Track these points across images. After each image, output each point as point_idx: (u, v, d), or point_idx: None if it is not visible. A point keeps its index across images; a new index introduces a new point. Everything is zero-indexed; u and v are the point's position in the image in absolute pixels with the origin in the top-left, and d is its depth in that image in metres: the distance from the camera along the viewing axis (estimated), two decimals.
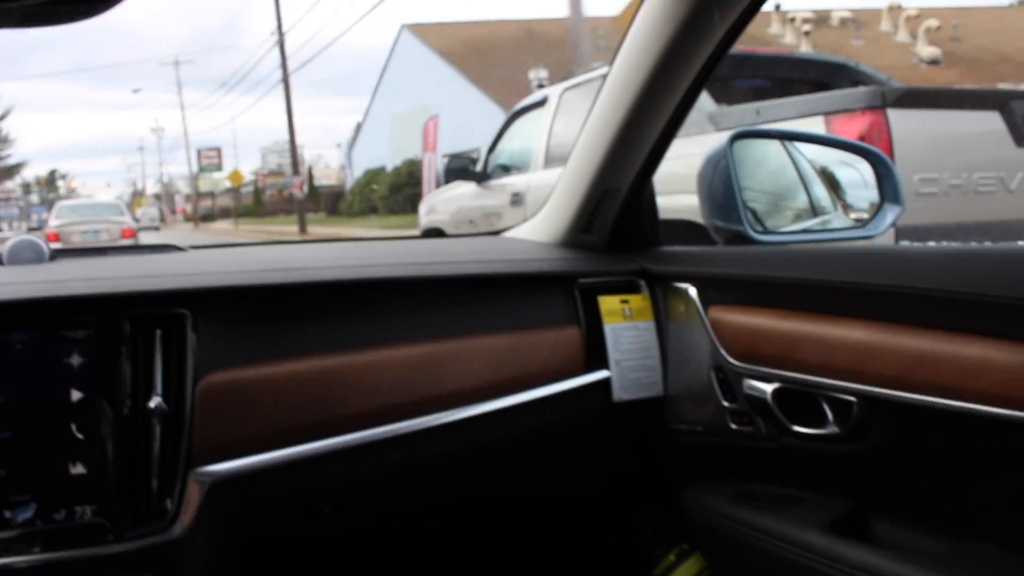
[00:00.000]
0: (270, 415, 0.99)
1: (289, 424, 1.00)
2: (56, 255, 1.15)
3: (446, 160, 6.53)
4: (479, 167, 5.84)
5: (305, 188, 25.69)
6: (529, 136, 5.35)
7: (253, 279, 1.05)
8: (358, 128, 35.76)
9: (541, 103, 5.32)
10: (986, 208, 3.48)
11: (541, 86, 7.32)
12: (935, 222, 3.36)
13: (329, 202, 34.72)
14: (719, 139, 1.20)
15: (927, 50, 23.27)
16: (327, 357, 1.04)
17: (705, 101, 4.20)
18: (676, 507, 1.22)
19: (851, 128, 3.40)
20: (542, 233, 1.40)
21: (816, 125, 3.49)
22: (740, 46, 5.19)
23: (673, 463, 1.28)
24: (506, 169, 5.65)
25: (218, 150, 52.23)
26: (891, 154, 3.33)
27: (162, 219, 50.85)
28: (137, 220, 16.56)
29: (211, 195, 55.92)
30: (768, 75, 4.87)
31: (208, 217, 50.02)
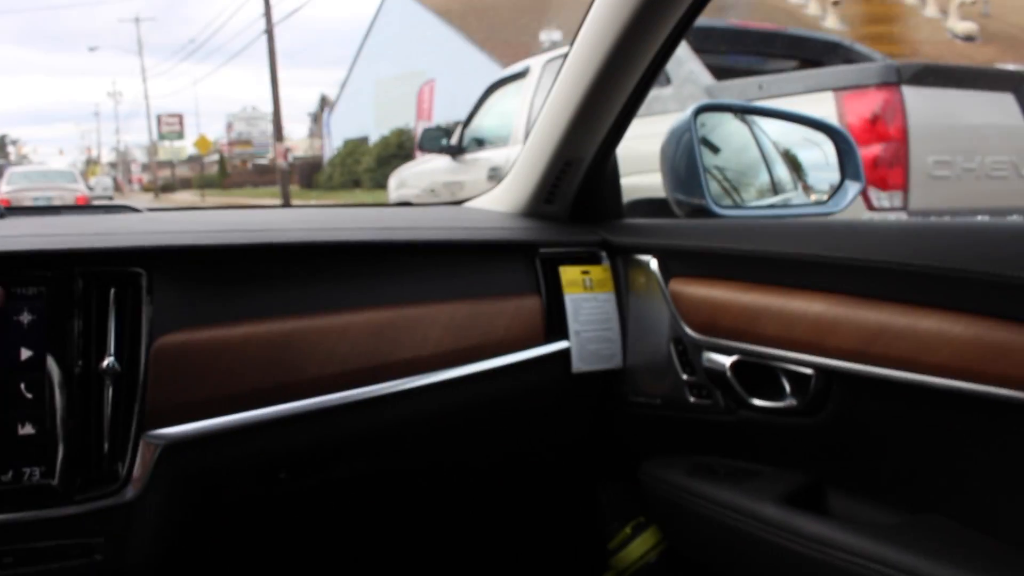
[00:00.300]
0: (226, 378, 1.05)
1: (245, 388, 1.06)
2: (6, 213, 1.21)
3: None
4: (454, 140, 5.92)
5: (291, 156, 24.95)
6: (508, 110, 5.43)
7: (211, 239, 1.12)
8: (323, 99, 35.39)
9: (522, 75, 5.40)
10: (998, 192, 3.58)
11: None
12: (949, 206, 3.45)
13: (303, 175, 34.45)
14: None
15: (962, 25, 23.24)
16: (285, 320, 1.10)
17: (702, 74, 4.29)
18: (633, 480, 1.32)
19: (863, 105, 3.47)
20: (504, 203, 1.49)
21: (825, 101, 3.55)
22: (736, 20, 5.26)
23: (631, 435, 1.39)
24: (481, 143, 5.73)
25: (179, 117, 51.47)
26: (905, 134, 3.40)
27: (117, 188, 50.46)
28: (91, 189, 16.70)
29: (171, 164, 55.05)
30: (761, 52, 4.98)
31: (168, 187, 49.83)
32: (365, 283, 1.19)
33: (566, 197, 1.41)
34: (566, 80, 1.31)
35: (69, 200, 13.60)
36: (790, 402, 1.11)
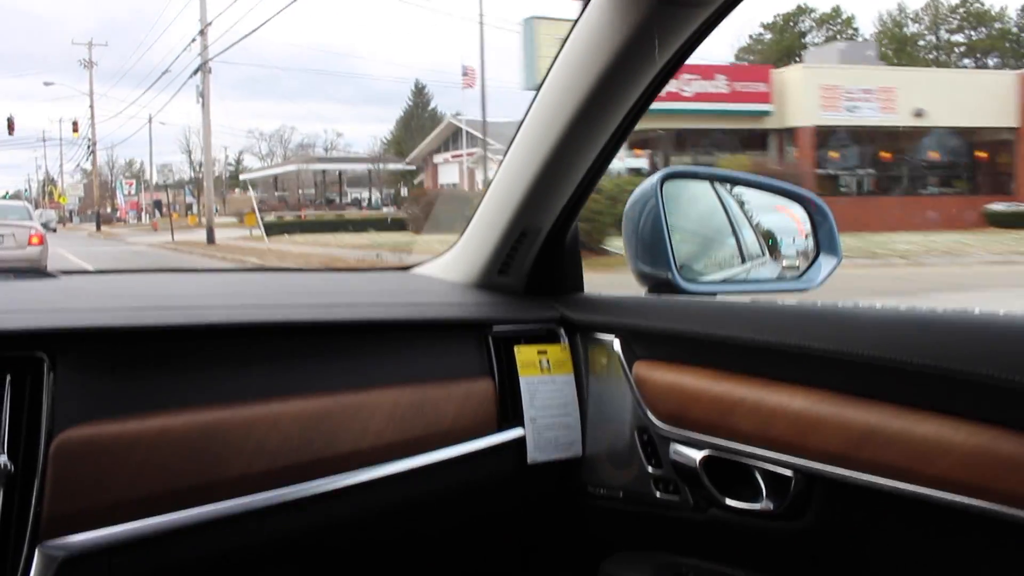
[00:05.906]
0: (138, 477, 0.97)
1: (160, 488, 0.98)
2: None
3: None
4: None
5: None
6: None
7: (123, 319, 1.03)
8: None
9: None
10: None
11: None
12: None
13: None
14: None
15: None
16: (207, 410, 1.02)
17: None
18: None
19: None
20: (455, 272, 1.41)
21: None
22: None
23: (591, 530, 1.30)
24: None
25: None
26: None
27: (98, 225, 46.10)
28: (44, 226, 16.44)
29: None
30: None
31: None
32: (298, 366, 1.11)
33: (522, 268, 1.33)
34: (523, 145, 1.24)
35: (22, 237, 13.24)
36: (766, 504, 1.03)
